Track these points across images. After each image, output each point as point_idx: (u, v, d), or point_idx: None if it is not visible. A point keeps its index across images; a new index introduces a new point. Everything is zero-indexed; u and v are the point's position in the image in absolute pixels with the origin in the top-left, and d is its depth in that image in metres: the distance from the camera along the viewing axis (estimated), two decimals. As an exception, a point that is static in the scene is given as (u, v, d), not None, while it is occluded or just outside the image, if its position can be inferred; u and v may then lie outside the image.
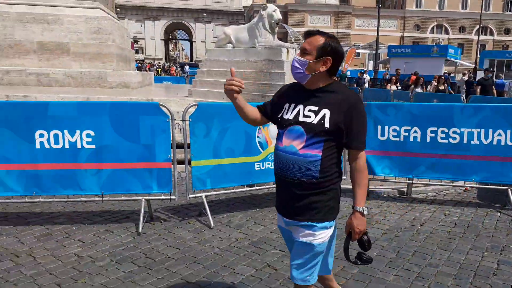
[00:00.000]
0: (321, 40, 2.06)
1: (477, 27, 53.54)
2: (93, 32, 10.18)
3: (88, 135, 3.97)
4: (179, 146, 4.47)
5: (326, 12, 60.38)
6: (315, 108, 2.07)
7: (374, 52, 36.81)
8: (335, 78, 2.20)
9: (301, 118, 2.08)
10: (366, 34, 60.00)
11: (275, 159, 2.18)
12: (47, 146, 3.96)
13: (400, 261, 3.56)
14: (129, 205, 4.92)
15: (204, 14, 63.11)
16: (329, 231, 2.13)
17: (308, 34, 2.12)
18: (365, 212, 2.09)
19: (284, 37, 44.00)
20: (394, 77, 18.02)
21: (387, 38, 57.73)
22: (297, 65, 2.08)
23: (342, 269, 3.37)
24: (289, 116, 2.13)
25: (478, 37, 44.59)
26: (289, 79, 7.59)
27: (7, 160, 3.97)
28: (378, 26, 34.67)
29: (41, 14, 9.92)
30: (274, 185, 2.34)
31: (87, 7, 10.22)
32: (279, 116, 2.19)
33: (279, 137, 2.16)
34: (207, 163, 4.42)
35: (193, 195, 4.50)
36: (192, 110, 4.34)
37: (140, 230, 4.12)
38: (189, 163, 4.42)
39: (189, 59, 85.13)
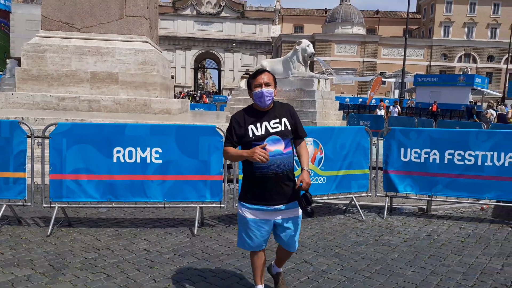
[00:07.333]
0: (271, 75, 3.00)
1: (506, 56, 53.33)
2: (140, 63, 11.30)
3: (156, 152, 4.83)
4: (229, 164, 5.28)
5: (353, 42, 61.58)
6: (277, 120, 2.94)
7: (400, 81, 37.33)
8: None
9: (272, 130, 2.89)
10: (393, 63, 60.61)
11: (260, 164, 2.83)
12: (122, 160, 4.83)
13: (417, 261, 4.18)
14: (181, 214, 5.71)
15: (234, 44, 65.46)
16: None
17: (261, 72, 2.98)
18: (311, 173, 3.13)
19: (310, 65, 45.21)
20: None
21: (414, 67, 58.13)
22: (268, 94, 2.91)
23: (368, 266, 4.02)
24: (261, 132, 2.88)
25: (507, 66, 44.54)
26: (320, 106, 8.35)
27: (89, 172, 4.85)
28: (404, 55, 35.33)
29: (96, 47, 11.14)
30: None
31: (136, 40, 11.39)
32: (251, 136, 2.88)
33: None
34: (251, 177, 5.17)
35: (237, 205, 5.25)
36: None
37: (195, 232, 4.88)
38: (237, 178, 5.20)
39: (216, 86, 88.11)
